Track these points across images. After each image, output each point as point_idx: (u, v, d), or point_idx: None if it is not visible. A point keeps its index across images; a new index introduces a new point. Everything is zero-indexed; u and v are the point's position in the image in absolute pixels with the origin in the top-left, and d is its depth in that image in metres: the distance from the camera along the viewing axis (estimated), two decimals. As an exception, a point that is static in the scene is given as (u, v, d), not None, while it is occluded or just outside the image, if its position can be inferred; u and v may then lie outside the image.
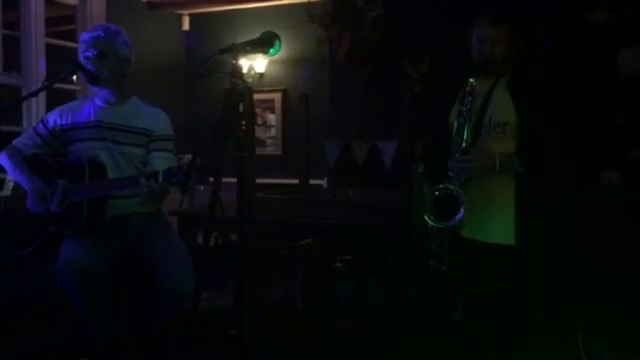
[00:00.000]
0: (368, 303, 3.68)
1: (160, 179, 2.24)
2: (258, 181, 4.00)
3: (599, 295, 3.01)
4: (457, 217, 2.21)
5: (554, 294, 2.65)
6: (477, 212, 2.25)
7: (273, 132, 5.36)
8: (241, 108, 2.36)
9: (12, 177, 2.54)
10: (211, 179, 2.30)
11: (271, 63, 5.26)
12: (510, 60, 2.35)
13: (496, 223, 2.30)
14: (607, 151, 3.69)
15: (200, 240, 3.17)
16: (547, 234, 2.35)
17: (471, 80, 2.27)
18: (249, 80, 5.07)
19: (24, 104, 4.32)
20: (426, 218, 2.27)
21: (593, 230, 3.16)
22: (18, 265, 2.66)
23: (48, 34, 4.52)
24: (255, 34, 2.40)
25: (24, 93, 4.27)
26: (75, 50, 2.80)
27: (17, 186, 2.56)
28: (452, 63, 2.47)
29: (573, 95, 3.56)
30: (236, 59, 2.30)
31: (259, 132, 5.30)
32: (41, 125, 2.64)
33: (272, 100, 5.33)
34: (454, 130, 2.29)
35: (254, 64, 5.25)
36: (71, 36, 4.79)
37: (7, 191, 2.60)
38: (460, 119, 2.28)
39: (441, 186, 2.25)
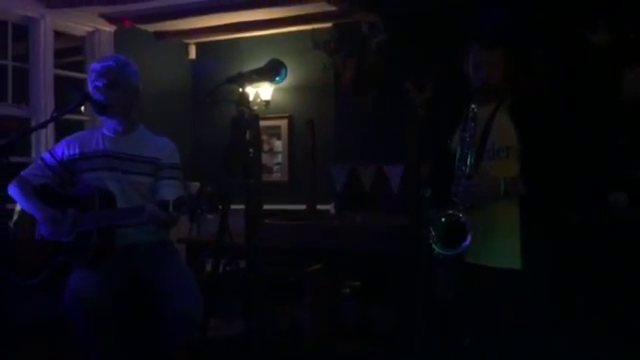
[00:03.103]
0: (377, 329, 3.66)
1: (170, 208, 2.25)
2: (265, 207, 4.02)
3: (607, 317, 2.98)
4: (464, 244, 2.20)
5: (562, 318, 2.63)
6: (482, 237, 2.24)
7: (279, 158, 5.38)
8: (248, 135, 2.39)
9: (24, 207, 2.55)
10: (220, 207, 2.30)
11: (277, 90, 5.30)
12: (509, 83, 2.37)
13: (502, 248, 2.29)
14: (612, 172, 3.68)
15: (208, 268, 3.16)
16: (554, 257, 2.34)
17: (473, 106, 2.28)
18: (255, 107, 5.12)
19: (33, 135, 4.37)
20: (433, 245, 2.26)
21: (601, 252, 3.14)
22: (25, 295, 2.65)
23: (56, 65, 4.59)
24: (261, 61, 2.43)
25: (33, 124, 4.32)
26: (83, 81, 2.84)
27: (22, 216, 2.57)
28: (456, 86, 2.49)
29: (576, 116, 3.57)
30: (243, 87, 2.33)
31: (265, 159, 5.32)
32: (49, 156, 2.65)
33: (278, 127, 5.36)
34: (457, 156, 2.30)
35: (260, 91, 5.29)
36: (79, 67, 4.86)
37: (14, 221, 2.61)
38: (463, 145, 2.28)
39: (449, 212, 2.24)
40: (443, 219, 2.25)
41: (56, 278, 2.47)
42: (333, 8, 4.46)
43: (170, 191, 2.51)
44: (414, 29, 4.49)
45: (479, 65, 2.34)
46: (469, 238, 2.18)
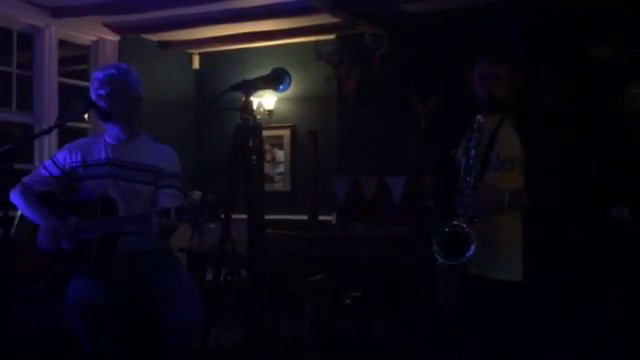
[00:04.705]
0: (378, 340, 3.64)
1: (172, 216, 2.25)
2: (267, 217, 4.00)
3: (608, 332, 2.97)
4: (468, 255, 2.19)
5: (562, 331, 2.61)
6: (485, 248, 2.23)
7: (282, 168, 5.38)
8: (251, 143, 2.39)
9: (26, 215, 2.55)
10: (222, 215, 2.30)
11: (280, 100, 5.32)
12: (514, 96, 2.37)
13: (504, 259, 2.28)
14: (615, 186, 3.68)
15: (209, 277, 3.16)
16: (555, 270, 2.33)
17: (479, 117, 2.29)
18: (258, 117, 5.12)
19: (36, 142, 4.38)
20: (436, 255, 2.25)
21: (602, 266, 3.13)
22: (25, 303, 2.63)
23: (61, 73, 4.61)
24: (265, 72, 2.44)
25: (36, 131, 4.33)
26: (87, 89, 2.84)
27: (23, 222, 2.56)
28: (458, 99, 2.49)
29: (580, 130, 3.58)
30: (247, 95, 2.34)
31: (268, 168, 5.32)
32: (51, 163, 2.65)
33: (281, 137, 5.37)
34: (462, 166, 2.30)
35: (263, 101, 5.31)
36: (83, 75, 4.88)
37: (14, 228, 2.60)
38: (468, 155, 2.28)
39: (453, 223, 2.24)
40: (447, 229, 2.24)
41: (57, 286, 2.46)
42: (337, 20, 4.48)
43: (169, 200, 2.50)
44: (417, 42, 4.51)
45: (485, 78, 2.35)
46: (473, 248, 2.17)
